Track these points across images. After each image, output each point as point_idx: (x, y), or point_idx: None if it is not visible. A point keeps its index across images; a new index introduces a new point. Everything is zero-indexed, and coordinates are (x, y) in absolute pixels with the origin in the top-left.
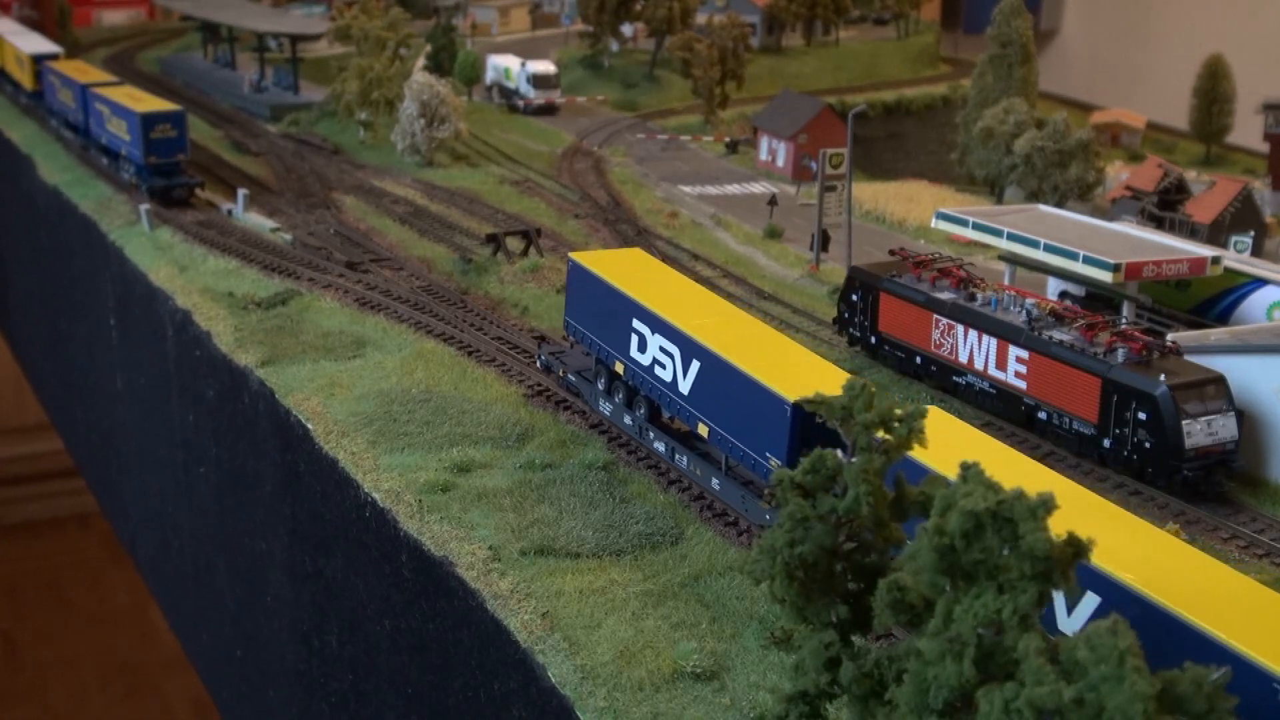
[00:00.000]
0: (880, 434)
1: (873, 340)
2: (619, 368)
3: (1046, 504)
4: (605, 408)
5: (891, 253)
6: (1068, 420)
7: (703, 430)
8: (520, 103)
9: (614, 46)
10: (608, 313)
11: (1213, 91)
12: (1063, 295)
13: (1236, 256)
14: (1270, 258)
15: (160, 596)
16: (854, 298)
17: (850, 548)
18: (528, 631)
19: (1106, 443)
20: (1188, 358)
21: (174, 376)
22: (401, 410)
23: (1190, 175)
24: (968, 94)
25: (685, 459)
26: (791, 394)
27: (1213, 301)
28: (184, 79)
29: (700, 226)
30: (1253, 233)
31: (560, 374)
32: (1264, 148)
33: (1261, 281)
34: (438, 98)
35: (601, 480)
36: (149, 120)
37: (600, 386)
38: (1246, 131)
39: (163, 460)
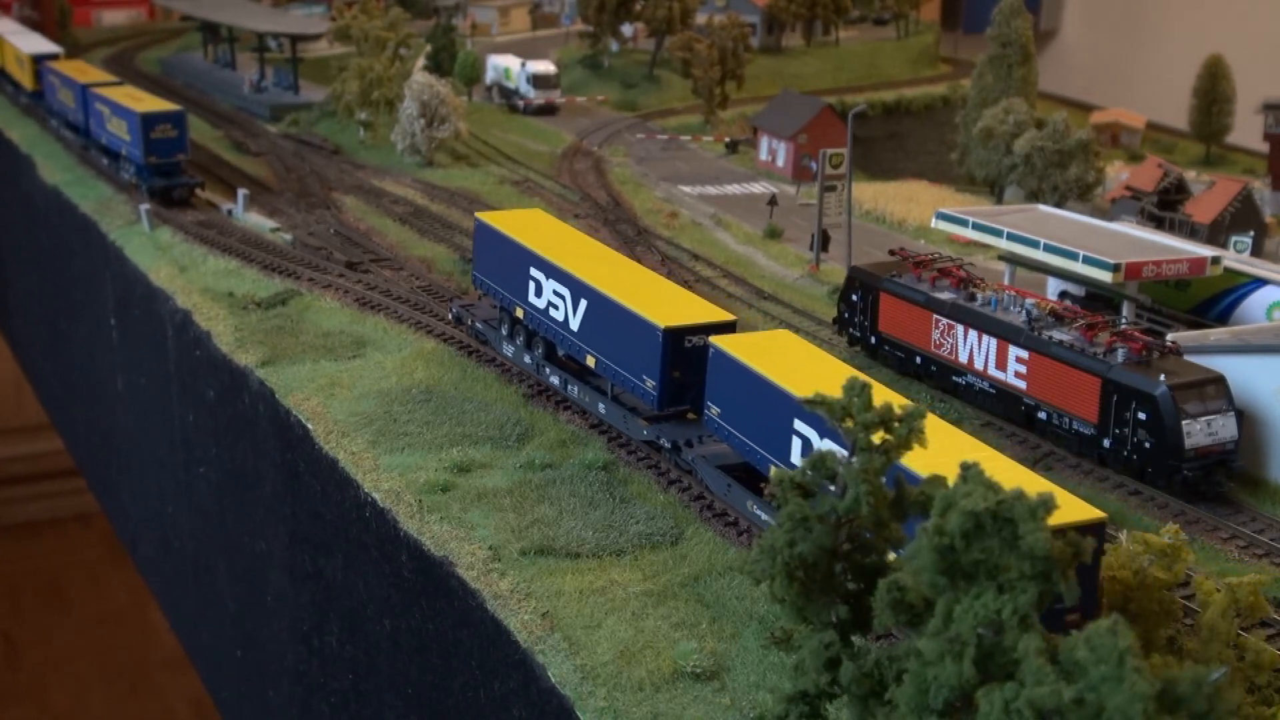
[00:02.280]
0: (879, 435)
1: (873, 340)
2: (519, 313)
3: (1046, 504)
4: (508, 350)
5: (891, 253)
6: (1068, 420)
7: (590, 361)
8: (520, 103)
9: (614, 46)
10: (509, 264)
11: (1213, 91)
12: (1063, 295)
13: (1236, 256)
14: (1270, 258)
15: (160, 596)
16: (854, 298)
17: (850, 548)
18: (528, 631)
19: (1106, 443)
20: (1188, 358)
21: (174, 376)
22: (401, 410)
23: (1190, 175)
24: (968, 94)
25: (576, 389)
26: (663, 321)
27: (1213, 301)
28: (184, 79)
29: (700, 226)
30: (1253, 233)
31: (469, 323)
32: (1264, 148)
33: (1261, 281)
34: (438, 98)
35: (601, 480)
36: (149, 120)
37: (504, 332)
38: (1246, 131)
39: (163, 460)
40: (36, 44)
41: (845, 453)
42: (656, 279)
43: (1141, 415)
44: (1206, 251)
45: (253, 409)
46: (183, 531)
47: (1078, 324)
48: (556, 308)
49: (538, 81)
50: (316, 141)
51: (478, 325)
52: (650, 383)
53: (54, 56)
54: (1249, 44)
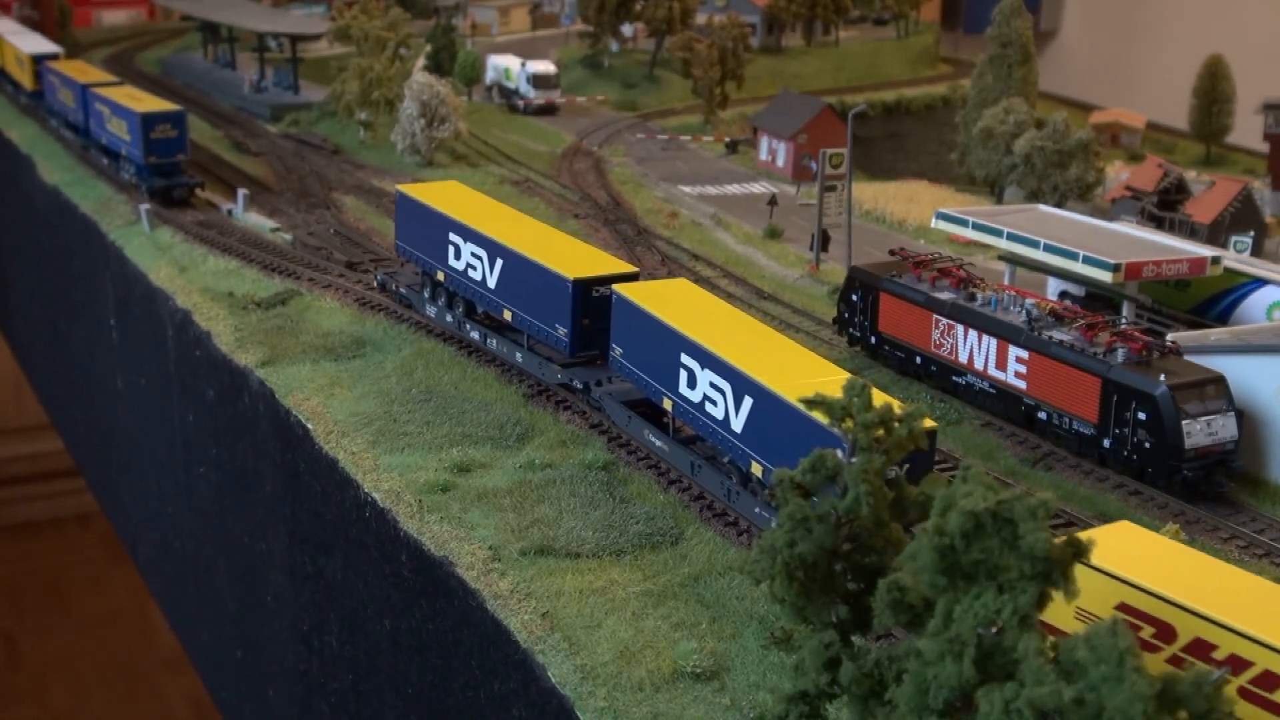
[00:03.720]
0: (879, 434)
1: (873, 340)
2: (440, 276)
3: (1046, 504)
4: (431, 310)
5: (891, 253)
6: (1068, 420)
7: (508, 315)
8: (520, 103)
9: (614, 46)
10: (430, 232)
11: (1213, 91)
12: (1063, 295)
13: (1236, 256)
14: (1270, 258)
15: (160, 596)
16: (854, 298)
17: (850, 548)
18: (528, 631)
19: (1106, 443)
20: (1188, 358)
21: (174, 376)
22: (401, 410)
23: (1190, 175)
24: (968, 94)
25: (494, 341)
26: (572, 274)
27: (1213, 301)
28: (184, 79)
29: (700, 226)
30: (1253, 233)
31: (394, 289)
32: (1264, 148)
33: (1261, 281)
34: (438, 98)
35: (601, 480)
36: (149, 120)
37: (426, 295)
38: (1246, 131)
39: (163, 460)
40: (36, 44)
41: (750, 399)
42: (566, 238)
43: (1141, 415)
44: (1206, 251)
45: (253, 409)
46: (183, 531)
47: (1078, 324)
48: (475, 268)
49: (538, 81)
50: (316, 141)
51: (402, 290)
52: (562, 330)
53: (54, 56)
54: (1249, 44)
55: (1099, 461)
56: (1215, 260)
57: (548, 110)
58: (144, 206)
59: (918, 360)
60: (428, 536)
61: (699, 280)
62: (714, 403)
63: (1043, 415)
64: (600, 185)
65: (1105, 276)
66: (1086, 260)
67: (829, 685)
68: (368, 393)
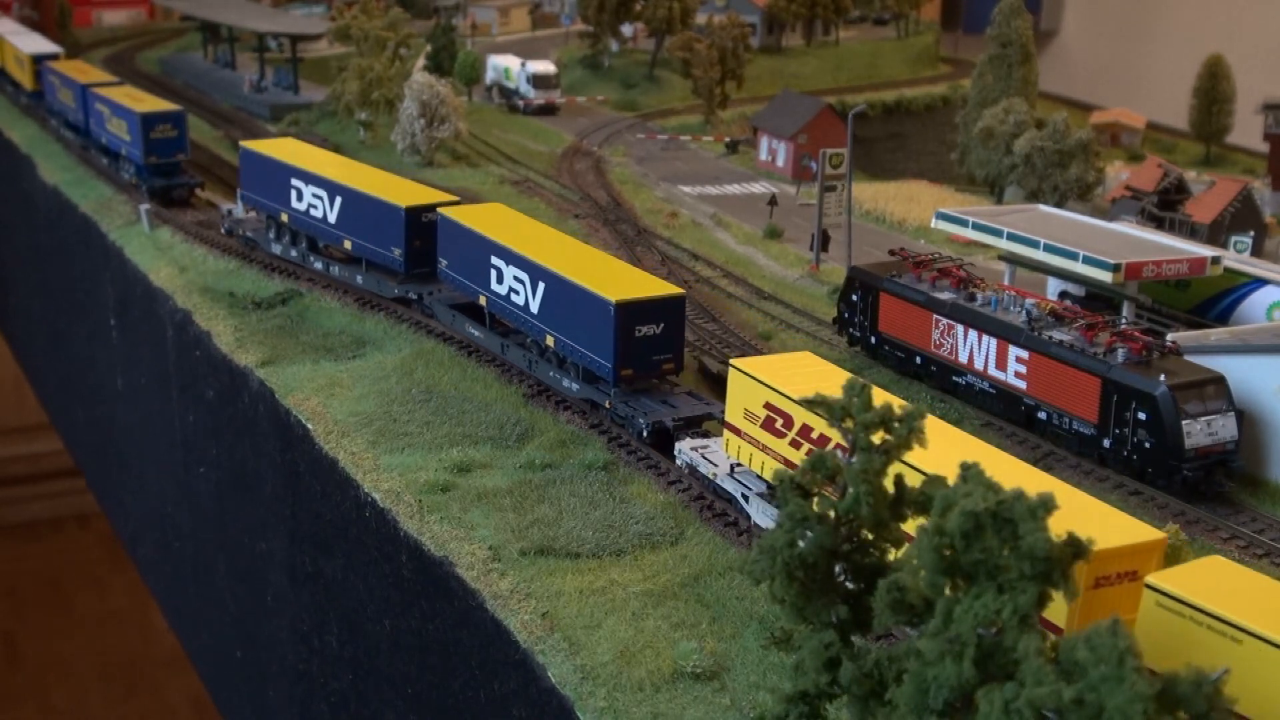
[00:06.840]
0: (879, 436)
1: (873, 340)
2: (284, 218)
3: (1046, 504)
4: (276, 248)
5: (891, 253)
6: (1068, 420)
7: (348, 245)
8: (520, 103)
9: (614, 46)
10: (274, 180)
11: (1213, 91)
12: (1063, 295)
13: (1236, 256)
14: (1270, 258)
15: (160, 596)
16: (854, 298)
17: (850, 548)
18: (528, 631)
19: (1106, 443)
20: (1188, 358)
21: (174, 376)
22: (401, 410)
23: (1190, 175)
24: (968, 94)
25: (337, 268)
26: (404, 203)
27: (1213, 301)
28: (184, 79)
29: (700, 226)
30: (1253, 233)
31: (239, 233)
32: (1264, 148)
33: (1261, 281)
34: (438, 98)
35: (601, 480)
36: (149, 120)
37: (271, 235)
38: (1246, 131)
39: (163, 460)
40: (36, 44)
41: (543, 284)
42: (394, 177)
43: (1141, 415)
44: (1206, 251)
45: (253, 409)
46: (183, 531)
47: (1078, 324)
48: (316, 208)
49: (538, 81)
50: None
51: (248, 234)
52: (397, 251)
53: (54, 56)
54: (1249, 44)
55: (1099, 461)
56: (1215, 260)
57: (548, 110)
58: (144, 206)
59: (918, 360)
60: (428, 536)
61: (699, 280)
62: (517, 293)
63: (1043, 415)
64: (600, 185)
65: (1105, 276)
66: (1086, 260)
67: (829, 685)
68: (368, 393)
